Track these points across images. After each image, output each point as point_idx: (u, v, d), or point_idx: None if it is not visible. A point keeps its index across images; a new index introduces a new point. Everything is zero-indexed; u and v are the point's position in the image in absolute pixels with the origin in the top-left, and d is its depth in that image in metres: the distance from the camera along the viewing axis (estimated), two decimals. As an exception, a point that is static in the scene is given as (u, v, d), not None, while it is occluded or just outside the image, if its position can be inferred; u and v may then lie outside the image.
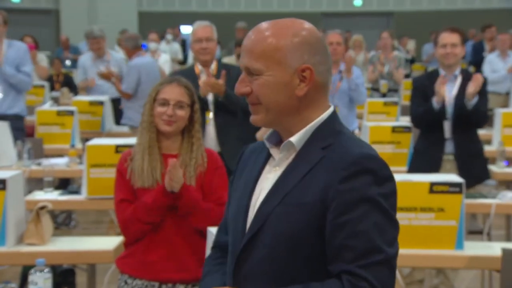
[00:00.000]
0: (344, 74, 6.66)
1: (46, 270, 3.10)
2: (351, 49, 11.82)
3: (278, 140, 2.09)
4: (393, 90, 9.80)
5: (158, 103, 3.38)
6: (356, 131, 7.01)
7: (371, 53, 11.65)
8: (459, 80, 5.53)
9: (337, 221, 1.91)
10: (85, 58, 9.23)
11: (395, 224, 1.96)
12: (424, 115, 5.53)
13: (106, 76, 8.09)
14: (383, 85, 9.81)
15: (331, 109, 2.08)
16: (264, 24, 2.06)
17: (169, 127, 3.39)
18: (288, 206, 1.98)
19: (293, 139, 2.03)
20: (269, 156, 2.11)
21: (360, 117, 8.20)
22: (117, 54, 8.54)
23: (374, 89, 9.91)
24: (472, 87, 5.34)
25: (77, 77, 9.52)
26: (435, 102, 5.40)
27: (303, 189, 1.97)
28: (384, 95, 9.69)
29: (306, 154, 2.02)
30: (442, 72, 5.55)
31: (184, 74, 5.01)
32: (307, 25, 2.06)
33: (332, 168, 1.95)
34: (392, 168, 6.09)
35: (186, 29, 20.49)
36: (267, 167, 2.09)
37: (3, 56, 7.04)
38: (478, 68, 11.81)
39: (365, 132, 6.50)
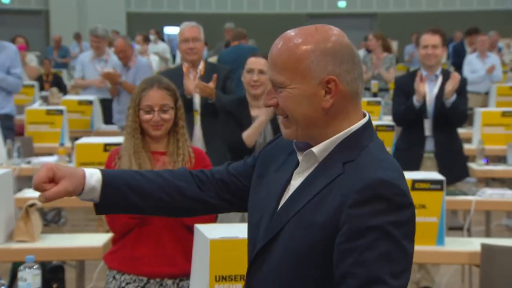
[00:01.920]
0: None
1: (36, 266, 3.09)
2: None
3: (307, 146, 1.98)
4: (384, 90, 9.88)
5: (143, 110, 3.38)
6: None
7: (361, 54, 11.74)
8: (440, 80, 5.58)
9: (344, 246, 1.81)
10: (85, 56, 9.21)
11: (406, 255, 1.84)
12: (405, 113, 5.57)
13: (111, 77, 7.84)
14: (374, 85, 9.91)
15: (365, 119, 1.96)
16: (287, 34, 1.95)
17: (158, 131, 3.40)
18: (300, 221, 1.90)
19: (315, 149, 1.94)
20: (297, 162, 2.01)
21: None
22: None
23: (366, 89, 9.99)
24: (450, 85, 5.39)
25: (76, 73, 9.46)
26: (415, 100, 5.43)
27: (317, 206, 1.88)
28: (375, 95, 9.76)
29: (326, 167, 1.92)
30: (424, 72, 5.59)
31: (172, 74, 5.01)
32: (332, 32, 1.94)
33: (347, 189, 1.84)
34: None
35: (172, 30, 20.53)
36: (295, 173, 2.01)
37: None
38: (459, 69, 11.88)
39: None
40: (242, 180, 2.19)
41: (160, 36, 18.15)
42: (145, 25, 18.06)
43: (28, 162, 6.40)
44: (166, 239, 3.37)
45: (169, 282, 3.39)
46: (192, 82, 5.30)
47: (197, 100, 5.44)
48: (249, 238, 2.08)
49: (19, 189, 5.41)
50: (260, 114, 4.52)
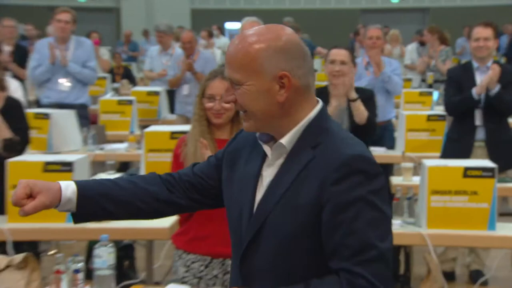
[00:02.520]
0: (371, 71, 6.60)
1: (110, 245, 3.14)
2: (388, 43, 11.76)
3: (269, 137, 2.02)
4: (440, 81, 9.80)
5: (207, 98, 3.42)
6: (394, 120, 6.97)
7: (409, 47, 11.61)
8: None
9: (332, 221, 1.86)
10: (153, 50, 9.35)
11: (387, 218, 1.91)
12: (460, 104, 5.48)
13: (191, 67, 7.92)
14: (430, 76, 9.83)
15: (318, 106, 2.00)
16: (243, 34, 1.98)
17: (219, 119, 3.42)
18: (284, 207, 1.93)
19: (283, 140, 1.97)
20: (264, 154, 2.04)
21: (397, 106, 8.13)
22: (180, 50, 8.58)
23: (422, 80, 9.95)
24: (488, 77, 5.29)
25: (145, 66, 9.63)
26: (475, 93, 5.35)
27: (297, 191, 1.92)
28: (430, 86, 9.69)
29: (297, 154, 1.96)
30: (475, 64, 5.49)
31: None
32: (283, 31, 1.98)
33: (324, 170, 1.89)
34: (427, 154, 6.02)
35: (232, 25, 20.61)
36: (265, 165, 2.03)
37: (70, 56, 7.13)
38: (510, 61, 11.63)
39: (401, 120, 6.44)
40: (207, 180, 2.20)
41: (222, 31, 18.23)
42: (208, 21, 18.16)
43: (102, 149, 6.50)
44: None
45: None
46: None
47: None
48: (232, 232, 2.10)
49: (94, 173, 5.49)
50: (333, 102, 4.54)
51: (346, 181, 1.86)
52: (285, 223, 1.92)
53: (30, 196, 2.01)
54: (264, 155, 2.02)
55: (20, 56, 8.34)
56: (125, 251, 5.01)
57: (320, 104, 2.01)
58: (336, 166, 1.87)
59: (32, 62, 7.31)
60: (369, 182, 1.87)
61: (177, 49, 8.86)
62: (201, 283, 3.38)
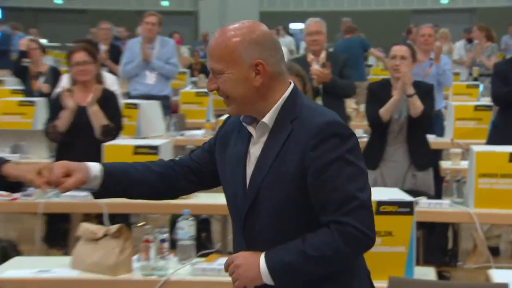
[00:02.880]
0: (434, 61, 6.55)
1: (190, 218, 3.18)
2: (438, 40, 11.57)
3: (252, 119, 2.05)
4: (485, 75, 9.62)
5: None
6: (443, 110, 6.89)
7: (457, 44, 11.43)
8: None
9: (317, 181, 1.91)
10: None
11: (363, 172, 1.96)
12: (506, 95, 5.34)
13: None
14: (475, 70, 9.68)
15: (291, 87, 2.04)
16: (222, 30, 2.03)
17: None
18: (273, 177, 1.96)
19: (265, 119, 2.00)
20: (249, 134, 2.07)
21: (446, 98, 8.02)
22: None
23: (470, 74, 9.79)
24: None
25: None
26: None
27: (283, 160, 1.96)
28: (475, 79, 9.53)
29: (278, 129, 1.99)
30: None
31: (297, 62, 5.02)
32: (256, 25, 2.03)
33: (303, 139, 1.94)
34: (473, 141, 5.87)
35: (296, 26, 20.53)
36: (251, 143, 2.06)
37: (156, 54, 7.20)
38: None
39: (450, 110, 6.38)
40: (202, 163, 2.21)
41: (287, 31, 18.16)
42: (274, 22, 18.07)
43: (182, 134, 6.59)
44: None
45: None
46: (313, 70, 5.35)
47: (315, 84, 5.47)
48: (231, 208, 2.11)
49: (176, 156, 5.55)
50: (394, 94, 4.49)
51: (323, 145, 1.91)
52: (276, 190, 1.96)
53: (66, 175, 2.04)
54: (249, 135, 2.06)
55: (114, 54, 8.49)
56: (203, 224, 5.05)
57: (292, 85, 2.06)
58: (313, 134, 1.92)
59: (123, 59, 7.44)
60: (344, 143, 1.92)
61: None
62: None
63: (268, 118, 2.00)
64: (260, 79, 1.97)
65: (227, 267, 2.01)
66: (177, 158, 2.30)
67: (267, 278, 1.92)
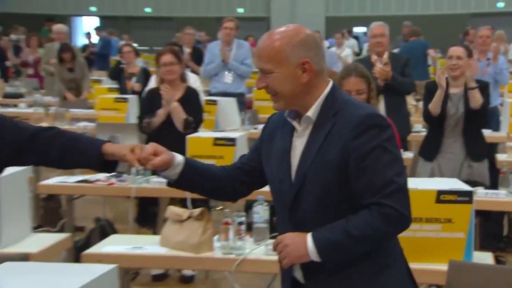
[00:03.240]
0: (491, 61, 6.39)
1: (265, 204, 3.16)
2: (494, 42, 11.21)
3: (295, 114, 2.05)
4: None
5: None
6: (499, 106, 6.71)
7: None
8: None
9: (358, 168, 1.92)
10: None
11: (399, 159, 1.97)
12: None
13: None
14: None
15: (331, 84, 2.05)
16: (269, 33, 2.04)
17: None
18: (318, 166, 1.96)
19: (309, 113, 2.00)
20: (293, 128, 2.06)
21: (502, 95, 7.78)
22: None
23: None
24: None
25: None
26: None
27: (326, 150, 1.96)
28: None
29: (321, 122, 2.00)
30: None
31: (362, 62, 4.95)
32: (300, 28, 2.03)
33: (344, 130, 1.94)
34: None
35: (359, 29, 20.26)
36: (294, 137, 2.05)
37: (232, 55, 7.25)
38: None
39: (506, 106, 6.29)
40: (251, 163, 2.21)
41: (351, 34, 17.93)
42: (339, 26, 17.86)
43: (255, 128, 6.58)
44: None
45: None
46: (376, 68, 5.30)
47: (380, 83, 5.42)
48: (275, 197, 2.11)
49: (249, 148, 5.57)
50: (450, 90, 4.42)
51: (364, 135, 1.92)
52: (320, 178, 1.96)
53: (155, 155, 2.08)
54: (292, 130, 2.06)
55: (196, 56, 8.58)
56: (274, 209, 5.05)
57: (331, 82, 2.06)
58: (354, 125, 1.93)
59: (205, 60, 7.53)
60: (382, 133, 1.93)
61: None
62: None
63: (312, 112, 2.01)
64: (306, 76, 1.98)
65: (275, 246, 2.01)
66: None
67: (314, 255, 1.93)
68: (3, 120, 2.13)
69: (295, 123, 2.04)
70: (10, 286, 1.64)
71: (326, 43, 14.71)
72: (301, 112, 2.03)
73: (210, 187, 2.22)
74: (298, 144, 2.03)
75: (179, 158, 2.13)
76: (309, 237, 1.94)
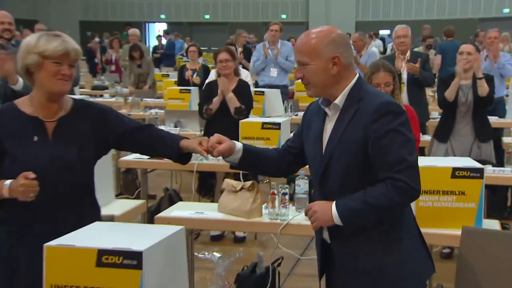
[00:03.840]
0: (493, 60, 6.29)
1: (305, 178, 3.14)
2: (501, 42, 10.79)
3: (328, 102, 2.05)
4: None
5: (374, 85, 3.32)
6: (505, 97, 6.52)
7: None
8: None
9: (376, 147, 1.91)
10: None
11: (411, 140, 1.95)
12: None
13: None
14: None
15: (357, 76, 2.03)
16: (307, 32, 2.04)
17: None
18: (342, 145, 1.97)
19: (337, 101, 2.01)
20: (325, 114, 2.06)
21: (507, 87, 7.51)
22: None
23: None
24: None
25: None
26: None
27: (350, 131, 1.96)
28: None
29: (346, 108, 1.99)
30: None
31: (387, 59, 4.86)
32: (332, 29, 2.04)
33: (365, 115, 1.94)
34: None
35: (384, 32, 19.85)
36: (326, 121, 2.06)
37: (278, 53, 7.21)
38: None
39: (511, 97, 6.04)
40: (295, 146, 2.21)
41: (377, 36, 17.59)
42: (367, 29, 17.52)
43: (296, 115, 6.52)
44: None
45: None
46: (401, 64, 5.28)
47: (404, 76, 5.33)
48: (312, 172, 2.11)
49: (291, 131, 5.53)
50: (457, 78, 4.33)
51: (381, 119, 1.91)
52: (345, 155, 1.97)
53: (219, 143, 2.10)
54: (325, 115, 2.06)
55: (247, 54, 8.56)
56: (312, 182, 5.01)
57: (357, 75, 2.05)
58: (373, 111, 1.93)
59: (253, 58, 7.51)
60: (396, 118, 1.92)
61: (368, 50, 8.60)
62: None
63: (339, 100, 2.01)
64: (336, 69, 1.98)
65: (306, 212, 2.03)
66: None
67: (337, 220, 1.95)
68: (110, 111, 2.23)
69: (326, 110, 2.05)
70: (102, 238, 1.68)
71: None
72: (331, 99, 2.03)
73: (265, 167, 2.27)
74: (329, 127, 2.04)
75: (239, 145, 2.16)
76: (333, 204, 1.96)
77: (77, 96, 3.44)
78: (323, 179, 2.02)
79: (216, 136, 2.12)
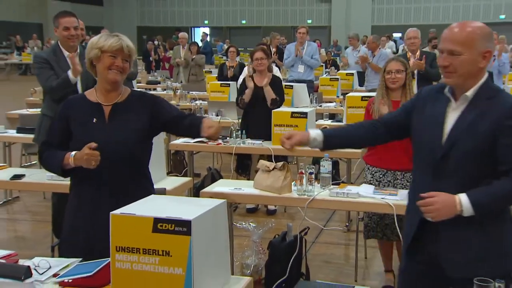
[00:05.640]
0: (496, 57, 6.09)
1: (329, 159, 3.09)
2: (498, 44, 10.39)
3: (453, 92, 1.85)
4: None
5: (386, 73, 3.22)
6: None
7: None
8: None
9: (505, 142, 1.72)
10: (348, 49, 8.94)
11: None
12: None
13: (364, 59, 7.20)
14: None
15: (487, 74, 1.85)
16: (462, 23, 1.80)
17: (394, 85, 3.20)
18: (468, 134, 1.76)
19: (469, 93, 1.79)
20: (447, 102, 1.84)
21: (504, 83, 7.24)
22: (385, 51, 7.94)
23: None
24: None
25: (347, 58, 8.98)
26: None
27: (479, 123, 1.75)
28: None
29: (476, 102, 1.79)
30: None
31: (400, 57, 4.74)
32: (486, 26, 1.82)
33: (498, 112, 1.73)
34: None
35: (397, 35, 19.37)
36: (449, 109, 1.84)
37: (304, 52, 7.10)
38: None
39: (507, 91, 5.86)
40: (395, 119, 2.01)
41: (390, 38, 17.16)
42: (381, 32, 17.09)
43: (320, 106, 6.43)
44: (398, 146, 3.00)
45: (398, 173, 3.20)
46: (415, 62, 5.13)
47: (415, 72, 5.23)
48: (421, 154, 1.87)
49: (316, 120, 5.45)
50: None
51: None
52: (469, 145, 1.76)
53: (288, 138, 1.99)
54: (447, 103, 1.85)
55: (280, 54, 8.46)
56: (335, 164, 4.96)
57: (487, 73, 1.86)
58: (508, 108, 1.74)
59: (284, 56, 7.43)
60: None
61: (361, 48, 8.43)
62: (380, 184, 3.22)
63: (470, 92, 1.80)
64: (485, 63, 1.79)
65: (424, 202, 1.75)
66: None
67: (468, 212, 1.72)
68: (160, 100, 2.22)
69: (452, 99, 1.85)
70: (157, 208, 1.68)
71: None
72: (462, 91, 1.81)
73: (351, 144, 2.17)
74: (452, 116, 1.83)
75: (313, 133, 2.01)
76: (462, 198, 1.73)
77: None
78: (441, 163, 1.79)
79: (287, 133, 2.01)
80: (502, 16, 21.42)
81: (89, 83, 3.20)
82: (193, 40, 23.88)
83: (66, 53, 3.38)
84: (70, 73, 3.29)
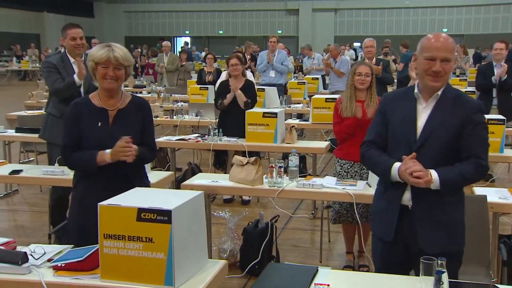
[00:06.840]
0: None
1: (296, 155, 3.10)
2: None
3: (421, 93, 1.92)
4: None
5: (356, 75, 3.15)
6: None
7: None
8: None
9: (470, 133, 1.85)
10: (319, 56, 8.99)
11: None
12: None
13: (327, 64, 7.28)
14: None
15: (452, 77, 2.00)
16: (444, 35, 1.88)
17: (362, 86, 3.16)
18: (440, 128, 1.85)
19: (439, 93, 1.89)
20: (416, 102, 1.91)
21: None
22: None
23: None
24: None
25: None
26: None
27: (448, 118, 1.85)
28: None
29: (443, 101, 1.88)
30: None
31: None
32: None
33: (465, 109, 1.86)
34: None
35: (357, 44, 19.56)
36: (419, 108, 1.90)
37: (275, 59, 7.11)
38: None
39: None
40: (384, 134, 1.98)
41: (351, 47, 17.23)
42: (343, 41, 17.13)
43: (289, 107, 6.41)
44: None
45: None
46: (375, 67, 5.12)
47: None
48: (398, 147, 1.90)
49: (285, 120, 5.45)
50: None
51: (478, 115, 1.86)
52: (440, 137, 1.86)
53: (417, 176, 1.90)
54: (415, 104, 1.92)
55: (254, 60, 8.39)
56: (302, 158, 4.98)
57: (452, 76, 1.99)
58: (474, 106, 1.88)
59: (257, 62, 7.43)
60: (483, 116, 1.89)
61: (316, 55, 8.48)
62: (348, 175, 3.20)
63: (440, 92, 1.89)
64: (455, 67, 1.99)
65: (413, 170, 1.80)
66: None
67: (435, 185, 1.81)
68: (151, 117, 2.26)
69: (422, 99, 1.91)
70: (141, 200, 1.66)
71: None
72: (434, 91, 1.89)
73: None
74: (423, 113, 1.89)
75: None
76: (433, 172, 1.81)
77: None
78: (416, 154, 1.84)
79: (410, 170, 1.84)
80: (445, 29, 22.02)
81: (90, 87, 3.24)
82: (175, 48, 23.69)
83: (72, 60, 3.41)
84: (75, 76, 3.34)
